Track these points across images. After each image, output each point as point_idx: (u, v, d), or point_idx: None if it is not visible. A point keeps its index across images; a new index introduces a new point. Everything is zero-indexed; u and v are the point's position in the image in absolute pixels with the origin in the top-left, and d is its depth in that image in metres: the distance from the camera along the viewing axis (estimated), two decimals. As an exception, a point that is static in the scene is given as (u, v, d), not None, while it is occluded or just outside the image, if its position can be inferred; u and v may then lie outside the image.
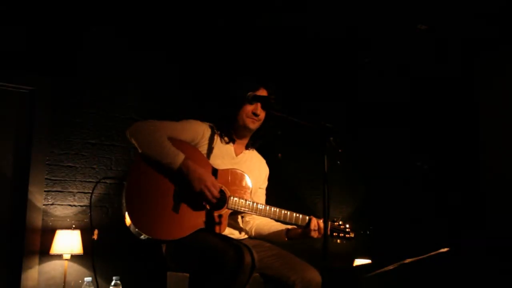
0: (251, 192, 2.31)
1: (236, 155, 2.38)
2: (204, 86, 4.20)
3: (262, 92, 2.30)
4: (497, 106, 4.63)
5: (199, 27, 4.35)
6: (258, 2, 4.13)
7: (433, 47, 4.85)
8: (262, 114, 2.32)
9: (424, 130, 5.12)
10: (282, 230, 2.37)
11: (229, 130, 2.36)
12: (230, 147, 2.37)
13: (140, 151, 2.14)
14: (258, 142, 2.49)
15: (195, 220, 2.14)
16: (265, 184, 2.55)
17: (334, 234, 2.39)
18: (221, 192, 2.20)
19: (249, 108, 2.29)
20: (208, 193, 2.10)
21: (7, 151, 3.64)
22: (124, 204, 2.07)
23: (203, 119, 2.37)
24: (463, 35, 4.63)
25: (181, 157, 2.10)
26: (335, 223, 2.40)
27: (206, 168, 2.21)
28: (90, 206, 3.69)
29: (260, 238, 2.40)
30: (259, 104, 2.28)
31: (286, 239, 2.36)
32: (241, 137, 2.40)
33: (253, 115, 2.30)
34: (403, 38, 4.69)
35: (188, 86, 4.25)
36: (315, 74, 4.95)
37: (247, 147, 2.45)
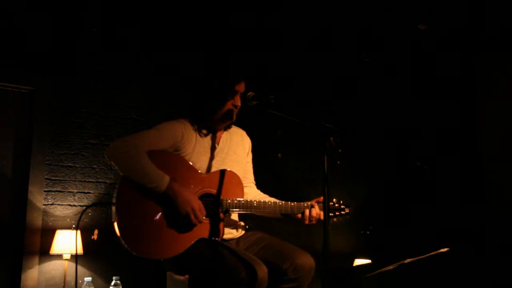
0: (242, 188, 2.30)
1: (218, 143, 2.36)
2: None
3: (241, 86, 2.29)
4: (497, 106, 4.63)
5: (198, 27, 4.35)
6: (261, 2, 4.14)
7: (433, 47, 4.85)
8: (240, 102, 2.30)
9: (424, 130, 5.12)
10: None
11: (209, 122, 2.33)
12: (210, 137, 2.34)
13: (122, 174, 2.11)
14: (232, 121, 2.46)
15: (192, 232, 2.13)
16: (250, 156, 2.54)
17: (330, 214, 2.40)
18: (213, 196, 2.19)
19: (230, 101, 2.28)
20: (193, 218, 2.09)
21: (7, 151, 3.64)
22: (117, 229, 2.05)
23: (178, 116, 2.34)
24: (463, 35, 4.63)
25: (166, 180, 2.07)
26: (329, 203, 2.41)
27: (193, 174, 2.19)
28: (78, 221, 3.69)
29: (255, 213, 2.37)
30: (238, 95, 2.27)
31: (281, 215, 2.37)
32: (221, 126, 2.38)
33: (234, 107, 2.29)
34: (403, 38, 4.69)
35: (188, 86, 4.24)
36: (315, 74, 4.94)
37: (225, 129, 2.42)
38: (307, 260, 2.12)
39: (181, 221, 2.11)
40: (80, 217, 3.56)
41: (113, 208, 2.09)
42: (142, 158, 2.09)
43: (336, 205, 2.43)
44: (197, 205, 2.11)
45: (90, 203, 3.73)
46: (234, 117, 2.33)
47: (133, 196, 2.08)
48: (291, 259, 2.10)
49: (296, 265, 2.08)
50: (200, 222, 2.12)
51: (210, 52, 4.29)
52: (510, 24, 4.34)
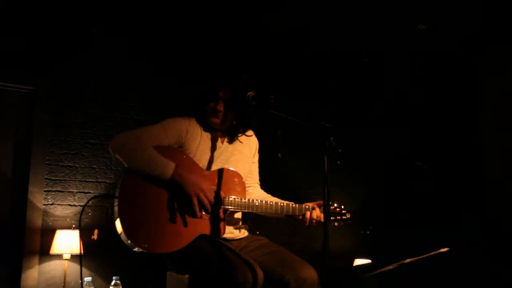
0: (244, 187, 2.29)
1: (222, 142, 2.34)
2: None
3: (223, 92, 2.24)
4: (497, 106, 4.64)
5: (198, 28, 4.35)
6: (261, 3, 4.14)
7: (433, 47, 4.85)
8: (221, 107, 2.24)
9: (424, 130, 5.12)
10: None
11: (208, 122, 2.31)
12: (215, 135, 2.32)
13: (126, 166, 2.09)
14: (246, 130, 2.40)
15: (194, 227, 2.11)
16: (256, 157, 2.51)
17: (331, 218, 2.40)
18: (216, 193, 2.18)
19: (211, 105, 2.25)
20: (204, 199, 2.08)
21: (7, 151, 3.64)
22: (119, 221, 2.04)
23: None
24: (463, 35, 4.63)
25: (171, 166, 2.06)
26: (331, 207, 2.41)
27: (197, 172, 2.18)
28: (79, 220, 3.69)
29: (257, 213, 2.35)
30: (220, 101, 2.23)
31: (284, 215, 2.36)
32: (219, 127, 2.32)
33: (215, 111, 2.24)
34: (403, 38, 4.69)
35: (188, 86, 4.25)
36: (316, 74, 4.95)
37: (229, 136, 2.36)
38: (310, 274, 2.09)
39: (188, 207, 2.08)
40: (80, 216, 3.57)
41: (116, 201, 2.07)
42: (146, 148, 2.08)
43: (337, 209, 2.44)
44: (206, 186, 2.10)
45: (91, 203, 3.73)
46: (216, 121, 2.26)
47: (137, 188, 2.07)
48: (294, 270, 2.08)
49: (299, 277, 2.06)
50: (211, 202, 2.11)
51: (201, 55, 4.29)
52: (510, 23, 4.34)
